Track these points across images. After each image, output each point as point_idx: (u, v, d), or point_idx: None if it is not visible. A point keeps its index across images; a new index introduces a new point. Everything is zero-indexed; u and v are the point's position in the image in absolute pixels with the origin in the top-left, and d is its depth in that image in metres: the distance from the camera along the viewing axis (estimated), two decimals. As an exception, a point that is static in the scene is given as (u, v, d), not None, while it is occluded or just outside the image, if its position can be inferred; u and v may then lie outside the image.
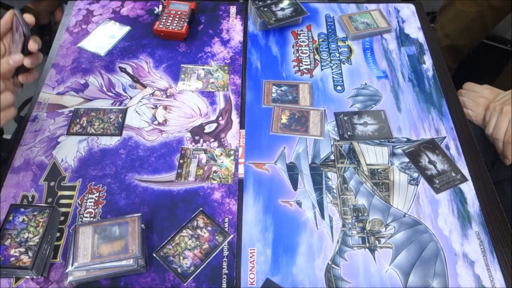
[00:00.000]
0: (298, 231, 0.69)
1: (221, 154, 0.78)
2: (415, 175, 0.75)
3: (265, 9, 0.98)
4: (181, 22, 0.95)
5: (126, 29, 0.98)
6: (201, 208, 0.71)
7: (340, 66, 0.92)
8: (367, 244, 0.68)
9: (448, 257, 0.66)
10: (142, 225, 0.67)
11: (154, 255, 0.66)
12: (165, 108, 0.85)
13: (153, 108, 0.84)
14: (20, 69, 0.70)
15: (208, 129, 0.81)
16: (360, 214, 0.71)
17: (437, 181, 0.75)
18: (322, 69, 0.92)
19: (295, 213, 0.71)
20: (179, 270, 0.65)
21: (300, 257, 0.66)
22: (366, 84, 0.89)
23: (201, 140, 0.80)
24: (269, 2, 0.99)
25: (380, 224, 0.70)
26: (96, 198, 0.72)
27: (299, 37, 0.98)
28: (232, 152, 0.78)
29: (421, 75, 0.91)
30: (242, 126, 0.82)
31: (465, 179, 0.75)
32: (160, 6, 0.99)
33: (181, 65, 0.92)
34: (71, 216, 0.70)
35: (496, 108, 0.83)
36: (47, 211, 0.67)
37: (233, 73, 0.91)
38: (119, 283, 0.64)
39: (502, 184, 0.90)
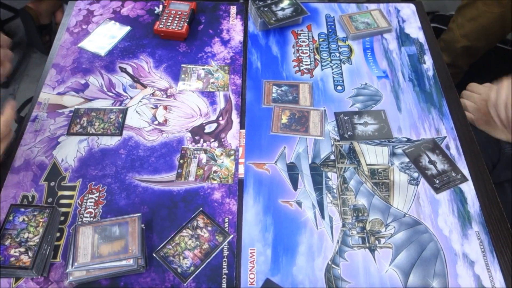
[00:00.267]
0: (298, 231, 0.69)
1: (221, 154, 0.78)
2: (415, 175, 0.75)
3: (266, 9, 0.98)
4: (181, 22, 0.95)
5: (127, 29, 0.98)
6: (201, 208, 0.71)
7: (341, 66, 0.92)
8: (367, 244, 0.68)
9: (448, 257, 0.66)
10: (142, 225, 0.67)
11: (154, 255, 0.66)
12: (165, 108, 0.85)
13: (153, 108, 0.84)
14: None
15: (208, 129, 0.81)
16: (360, 214, 0.71)
17: (437, 181, 0.74)
18: (322, 69, 0.92)
19: (295, 213, 0.71)
20: (179, 270, 0.65)
21: (300, 257, 0.66)
22: (366, 84, 0.89)
23: (201, 140, 0.80)
24: (269, 2, 0.99)
25: (380, 224, 0.70)
26: (96, 198, 0.72)
27: (299, 37, 0.98)
28: (232, 152, 0.78)
29: (421, 75, 0.91)
30: (242, 126, 0.82)
31: (465, 179, 0.75)
32: (160, 6, 0.99)
33: (182, 65, 0.92)
34: (71, 216, 0.70)
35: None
36: (47, 211, 0.67)
37: (233, 73, 0.91)
38: (119, 283, 0.64)
39: (503, 186, 0.90)
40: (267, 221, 0.70)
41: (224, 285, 0.64)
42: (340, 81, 0.89)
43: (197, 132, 0.81)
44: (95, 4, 1.03)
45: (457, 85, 0.90)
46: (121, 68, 0.91)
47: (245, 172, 0.76)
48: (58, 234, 0.68)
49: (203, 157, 0.77)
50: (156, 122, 0.82)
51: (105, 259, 0.62)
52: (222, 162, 0.77)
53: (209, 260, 0.66)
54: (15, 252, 0.63)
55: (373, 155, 0.78)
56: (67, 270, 0.62)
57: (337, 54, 0.95)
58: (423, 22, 1.02)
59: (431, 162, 0.77)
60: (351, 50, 0.96)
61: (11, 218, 0.66)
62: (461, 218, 0.71)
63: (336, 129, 0.81)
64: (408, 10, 1.04)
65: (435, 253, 0.67)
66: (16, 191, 0.72)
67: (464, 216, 0.71)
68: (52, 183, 0.73)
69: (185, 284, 0.64)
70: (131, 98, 0.86)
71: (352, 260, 0.66)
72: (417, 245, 0.67)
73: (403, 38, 0.98)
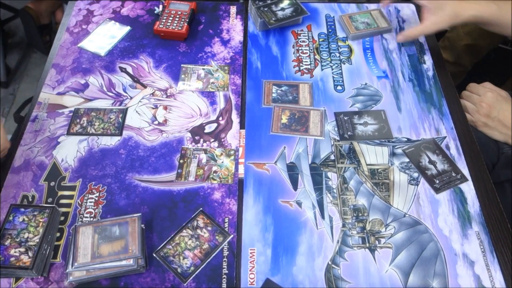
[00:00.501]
0: (298, 231, 0.69)
1: (221, 154, 0.78)
2: (415, 175, 0.75)
3: (265, 9, 0.98)
4: (181, 22, 0.95)
5: (126, 29, 0.98)
6: (201, 208, 0.71)
7: (340, 66, 0.92)
8: (367, 244, 0.68)
9: (448, 257, 0.66)
10: (142, 225, 0.67)
11: (154, 255, 0.66)
12: (165, 108, 0.85)
13: (153, 108, 0.84)
14: None
15: (208, 129, 0.81)
16: (360, 214, 0.71)
17: (437, 181, 0.74)
18: (322, 69, 0.92)
19: (295, 213, 0.71)
20: (179, 270, 0.65)
21: (300, 257, 0.66)
22: (366, 84, 0.89)
23: (201, 140, 0.80)
24: (269, 2, 0.99)
25: (380, 224, 0.70)
26: (96, 198, 0.72)
27: (299, 37, 0.98)
28: (232, 152, 0.78)
29: (421, 75, 0.91)
30: (242, 126, 0.82)
31: (465, 179, 0.75)
32: (160, 6, 0.99)
33: (181, 65, 0.92)
34: (71, 216, 0.70)
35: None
36: (47, 211, 0.67)
37: (233, 73, 0.91)
38: (119, 283, 0.64)
39: (503, 185, 0.90)
40: (267, 221, 0.70)
41: (224, 285, 0.64)
42: (340, 81, 0.89)
43: (197, 132, 0.81)
44: (95, 4, 1.03)
45: (460, 84, 0.90)
46: (121, 68, 0.91)
47: (245, 172, 0.76)
48: (58, 234, 0.68)
49: (203, 157, 0.77)
50: (156, 122, 0.82)
51: (105, 259, 0.62)
52: (222, 162, 0.77)
53: (209, 260, 0.66)
54: (15, 252, 0.63)
55: (373, 155, 0.78)
56: (67, 270, 0.62)
57: (337, 54, 0.95)
58: (423, 22, 1.02)
59: (431, 162, 0.77)
60: (351, 50, 0.96)
61: (11, 218, 0.66)
62: (461, 218, 0.71)
63: (336, 129, 0.81)
64: (408, 10, 1.04)
65: (435, 253, 0.67)
66: (16, 191, 0.72)
67: (464, 216, 0.71)
68: (52, 183, 0.73)
69: (185, 284, 0.64)
70: (131, 98, 0.86)
71: (352, 260, 0.66)
72: (417, 245, 0.67)
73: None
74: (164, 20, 0.95)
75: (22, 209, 0.67)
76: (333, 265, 0.66)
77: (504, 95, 0.89)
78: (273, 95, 0.87)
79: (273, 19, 0.96)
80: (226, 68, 0.91)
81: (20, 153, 0.77)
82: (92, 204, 0.71)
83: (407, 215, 0.71)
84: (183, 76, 0.90)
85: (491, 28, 0.91)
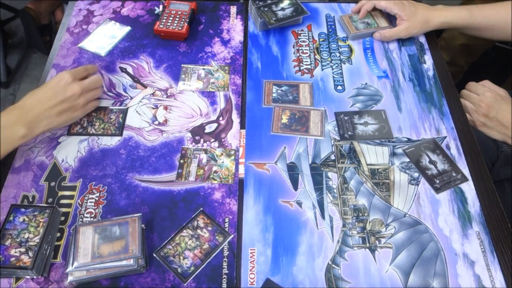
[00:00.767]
0: (299, 231, 0.69)
1: (222, 154, 0.78)
2: (416, 175, 0.75)
3: (266, 9, 0.98)
4: (182, 22, 0.95)
5: (127, 29, 0.98)
6: (201, 208, 0.71)
7: (341, 66, 0.92)
8: (368, 244, 0.68)
9: (448, 257, 0.66)
10: (143, 225, 0.67)
11: (154, 255, 0.66)
12: (166, 108, 0.85)
13: (153, 108, 0.84)
14: None
15: (209, 129, 0.81)
16: (360, 214, 0.71)
17: (438, 181, 0.74)
18: (322, 69, 0.92)
19: (296, 213, 0.71)
20: (179, 270, 0.65)
21: (300, 257, 0.66)
22: (366, 83, 0.89)
23: (202, 140, 0.80)
24: (269, 2, 0.99)
25: (381, 224, 0.70)
26: (97, 198, 0.72)
27: (299, 37, 0.98)
28: (232, 152, 0.78)
29: (421, 74, 0.91)
30: (242, 126, 0.82)
31: (466, 179, 0.75)
32: (161, 6, 0.99)
33: (182, 65, 0.92)
34: (72, 216, 0.70)
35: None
36: (47, 211, 0.67)
37: (234, 73, 0.91)
38: (119, 283, 0.64)
39: (503, 184, 0.90)
40: (267, 221, 0.70)
41: (224, 285, 0.64)
42: (340, 81, 0.89)
43: (197, 132, 0.81)
44: (95, 4, 1.04)
45: (457, 84, 0.90)
46: (121, 68, 0.91)
47: (245, 172, 0.76)
48: (58, 234, 0.68)
49: (203, 157, 0.77)
50: (156, 122, 0.82)
51: (105, 259, 0.62)
52: (222, 162, 0.77)
53: (209, 260, 0.66)
54: (15, 252, 0.63)
55: (374, 155, 0.78)
56: (67, 270, 0.62)
57: (337, 54, 0.95)
58: (423, 22, 1.02)
59: (431, 162, 0.77)
60: (351, 50, 0.96)
61: (11, 218, 0.66)
62: (461, 218, 0.71)
63: (336, 129, 0.81)
64: (408, 10, 1.04)
65: (436, 253, 0.67)
66: (16, 191, 0.72)
67: (464, 216, 0.71)
68: (53, 183, 0.73)
69: (185, 284, 0.64)
70: (131, 98, 0.86)
71: (353, 260, 0.66)
72: (418, 245, 0.67)
73: (403, 38, 0.98)
74: (164, 20, 0.95)
75: (23, 209, 0.67)
76: (333, 265, 0.65)
77: (503, 94, 0.89)
78: (274, 95, 0.87)
79: (273, 19, 0.96)
80: (226, 68, 0.91)
81: (21, 153, 0.77)
82: (93, 204, 0.71)
83: (407, 215, 0.71)
84: (183, 76, 0.90)
85: (468, 32, 0.97)
